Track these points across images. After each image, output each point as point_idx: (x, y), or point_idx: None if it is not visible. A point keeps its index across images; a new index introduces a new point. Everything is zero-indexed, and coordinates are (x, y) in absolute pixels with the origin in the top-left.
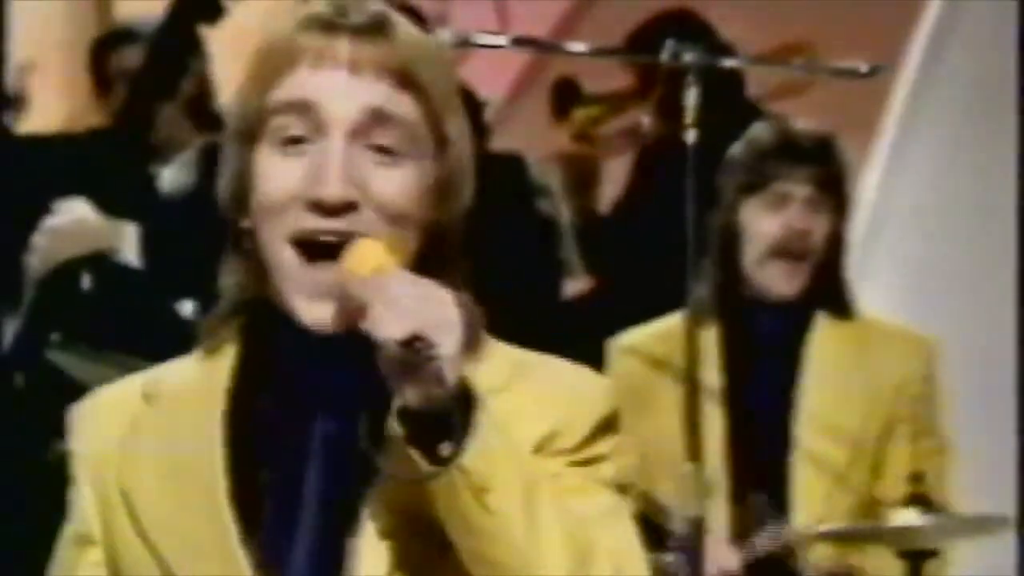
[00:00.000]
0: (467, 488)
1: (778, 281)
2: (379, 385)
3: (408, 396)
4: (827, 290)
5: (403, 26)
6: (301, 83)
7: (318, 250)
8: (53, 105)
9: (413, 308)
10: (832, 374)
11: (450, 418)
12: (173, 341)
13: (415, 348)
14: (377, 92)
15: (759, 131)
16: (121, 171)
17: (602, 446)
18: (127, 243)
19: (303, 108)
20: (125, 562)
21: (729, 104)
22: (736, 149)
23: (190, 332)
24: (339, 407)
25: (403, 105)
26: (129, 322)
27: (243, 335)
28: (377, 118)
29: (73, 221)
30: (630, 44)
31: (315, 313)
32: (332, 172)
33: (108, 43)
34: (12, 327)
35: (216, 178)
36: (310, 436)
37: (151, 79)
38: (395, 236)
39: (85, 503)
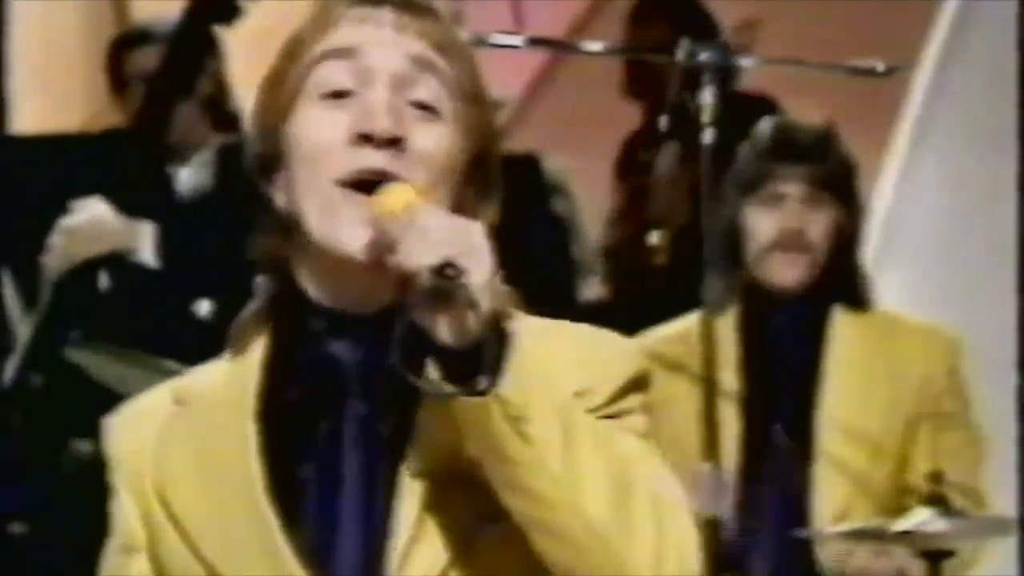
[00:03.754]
0: (504, 418)
1: (777, 272)
2: (405, 362)
3: (442, 332)
4: (840, 284)
5: (439, 8)
6: (346, 34)
7: (365, 187)
8: (70, 105)
9: (444, 237)
10: (852, 371)
11: (484, 348)
12: (189, 341)
13: (446, 275)
14: (419, 46)
15: (760, 129)
16: (138, 171)
17: (631, 401)
18: (144, 243)
19: (348, 54)
20: (170, 567)
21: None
22: (742, 148)
23: (206, 332)
24: (369, 387)
25: (441, 62)
26: (146, 322)
27: (270, 329)
28: (420, 66)
29: (90, 221)
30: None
31: (364, 239)
32: (380, 108)
33: (125, 43)
34: (30, 327)
35: (233, 178)
36: (343, 419)
37: (168, 79)
38: (430, 186)
39: (127, 512)
